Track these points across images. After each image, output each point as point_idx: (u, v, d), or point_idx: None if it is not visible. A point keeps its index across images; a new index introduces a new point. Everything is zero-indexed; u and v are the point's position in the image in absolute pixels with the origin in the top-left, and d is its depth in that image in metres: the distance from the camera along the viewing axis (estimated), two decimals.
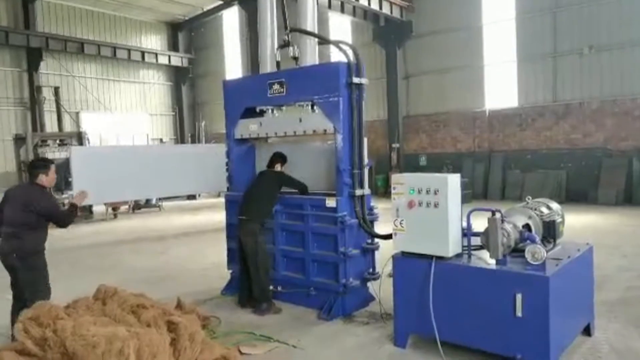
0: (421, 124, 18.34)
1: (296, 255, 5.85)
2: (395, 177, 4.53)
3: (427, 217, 4.26)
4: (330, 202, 5.43)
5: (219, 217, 15.86)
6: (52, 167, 4.75)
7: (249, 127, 6.41)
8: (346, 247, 5.42)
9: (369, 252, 5.74)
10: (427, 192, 4.26)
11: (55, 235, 13.10)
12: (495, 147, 16.57)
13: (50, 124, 19.32)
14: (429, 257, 4.26)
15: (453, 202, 4.23)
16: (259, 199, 5.74)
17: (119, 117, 23.18)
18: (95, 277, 7.64)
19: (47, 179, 4.71)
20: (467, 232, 4.29)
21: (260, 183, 5.93)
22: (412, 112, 18.55)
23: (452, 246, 4.21)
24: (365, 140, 5.63)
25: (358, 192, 5.49)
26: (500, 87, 16.56)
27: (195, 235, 11.83)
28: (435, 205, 4.22)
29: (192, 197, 20.47)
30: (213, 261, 8.52)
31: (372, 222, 5.69)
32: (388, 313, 5.43)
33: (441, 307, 4.17)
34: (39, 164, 4.80)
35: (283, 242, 5.97)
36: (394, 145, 18.26)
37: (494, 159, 16.46)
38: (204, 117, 24.49)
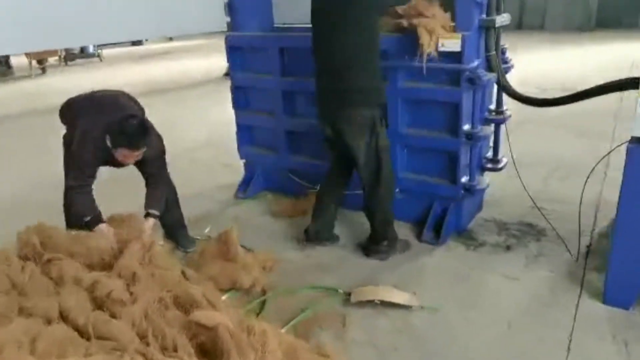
0: None
1: None
2: None
3: None
4: (451, 43, 2.91)
5: (180, 67, 12.87)
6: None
7: None
8: (474, 124, 3.10)
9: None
10: None
11: None
12: None
13: None
14: None
15: None
16: (358, 53, 2.82)
17: None
18: (22, 174, 5.11)
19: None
20: None
21: (346, 17, 2.78)
22: None
23: None
24: None
25: (499, 19, 2.99)
26: None
27: (157, 95, 9.01)
28: None
29: (137, 42, 16.78)
30: (199, 137, 6.03)
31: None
32: (526, 223, 3.40)
33: None
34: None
35: None
36: None
37: None
38: None
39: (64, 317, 2.07)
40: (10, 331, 1.91)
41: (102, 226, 2.73)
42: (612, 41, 11.42)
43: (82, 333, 1.97)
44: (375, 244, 3.13)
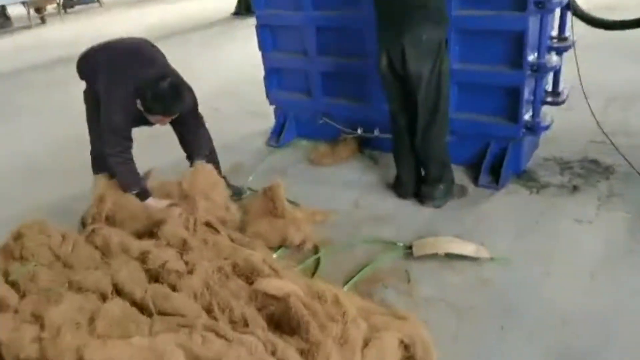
0: None
1: None
2: None
3: None
4: None
5: (182, 9, 12.20)
6: None
7: None
8: (540, 53, 2.77)
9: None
10: None
11: None
12: None
13: None
14: None
15: None
16: None
17: None
18: (32, 134, 4.86)
19: None
20: None
21: None
22: None
23: None
24: None
25: None
26: None
27: (163, 40, 8.52)
28: None
29: None
30: (216, 85, 5.69)
31: None
32: (590, 160, 3.15)
33: None
34: None
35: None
36: None
37: None
38: None
39: (118, 291, 1.91)
40: (64, 310, 1.76)
41: (150, 201, 2.57)
42: None
43: (141, 309, 1.81)
44: (431, 188, 2.90)
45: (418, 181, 2.98)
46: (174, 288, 1.86)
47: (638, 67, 4.55)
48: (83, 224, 2.62)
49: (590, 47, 4.84)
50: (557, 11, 2.94)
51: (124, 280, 1.90)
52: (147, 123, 2.64)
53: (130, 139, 2.59)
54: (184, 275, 1.89)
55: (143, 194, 2.61)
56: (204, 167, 2.75)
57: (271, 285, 1.79)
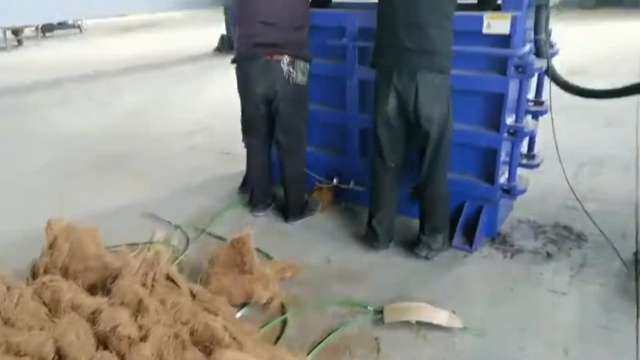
0: None
1: None
2: None
3: None
4: (498, 24, 2.54)
5: (167, 40, 12.20)
6: None
7: None
8: (518, 117, 2.78)
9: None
10: None
11: None
12: None
13: None
14: None
15: None
16: (446, 9, 2.50)
17: None
18: (6, 157, 4.67)
19: None
20: None
21: None
22: None
23: None
24: None
25: None
26: None
27: (148, 70, 8.49)
28: None
29: None
30: (195, 121, 5.61)
31: None
32: (562, 226, 3.14)
33: None
34: None
35: (356, 101, 3.19)
36: None
37: None
38: None
39: (61, 356, 1.73)
40: None
41: None
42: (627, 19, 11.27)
43: None
44: (429, 238, 2.82)
45: (392, 232, 2.93)
46: (123, 358, 1.69)
47: (607, 131, 4.66)
48: (34, 274, 2.41)
49: (558, 110, 4.99)
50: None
51: (69, 344, 1.72)
52: None
53: None
54: (136, 342, 1.73)
55: None
56: None
57: (230, 359, 1.65)
